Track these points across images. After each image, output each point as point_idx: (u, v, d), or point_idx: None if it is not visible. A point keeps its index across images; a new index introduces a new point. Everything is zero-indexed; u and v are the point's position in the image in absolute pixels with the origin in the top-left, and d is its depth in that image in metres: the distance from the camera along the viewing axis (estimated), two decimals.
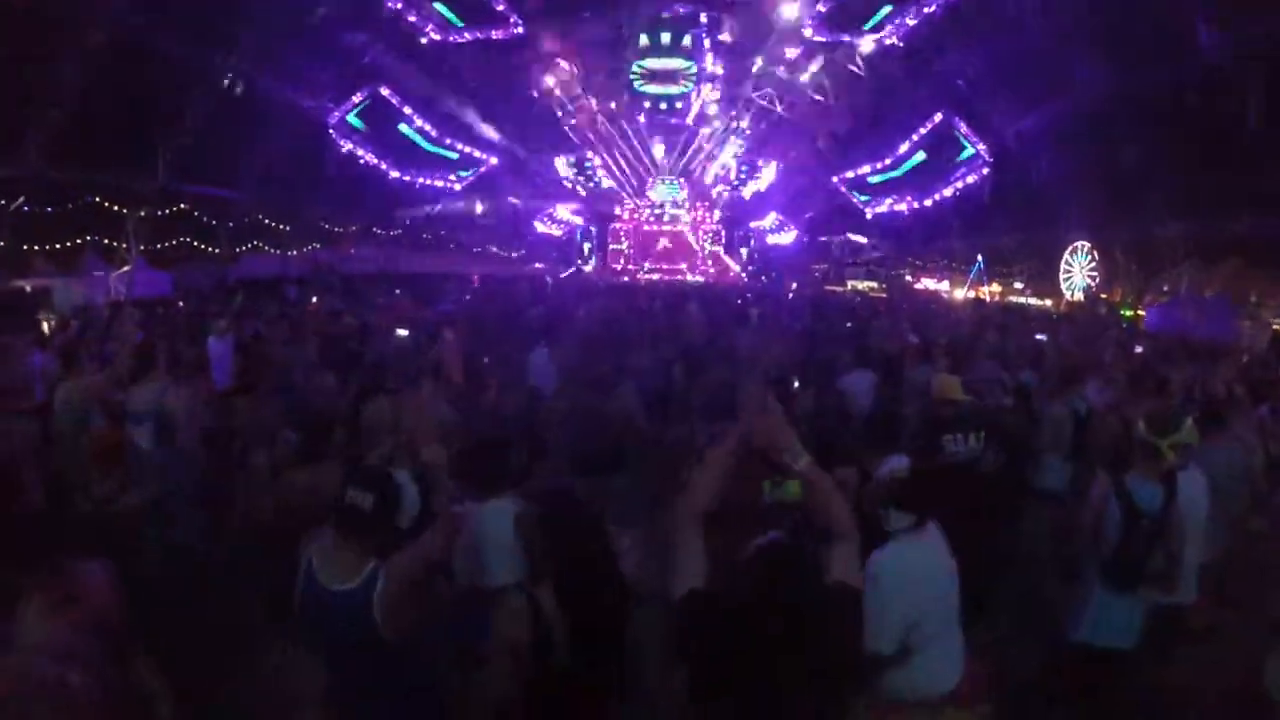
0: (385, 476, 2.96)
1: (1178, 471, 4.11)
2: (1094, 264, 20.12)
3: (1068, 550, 4.24)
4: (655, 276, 33.38)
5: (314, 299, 15.73)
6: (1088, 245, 20.22)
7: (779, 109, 27.21)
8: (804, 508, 2.77)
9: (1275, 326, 14.19)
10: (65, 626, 2.36)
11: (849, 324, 13.59)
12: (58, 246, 13.95)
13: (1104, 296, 19.65)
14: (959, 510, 4.16)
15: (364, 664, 2.79)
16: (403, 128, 23.19)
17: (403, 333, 11.03)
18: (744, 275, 34.95)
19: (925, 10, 18.20)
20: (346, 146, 21.49)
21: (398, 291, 18.25)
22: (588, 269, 34.93)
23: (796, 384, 6.35)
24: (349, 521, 2.74)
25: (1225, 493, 4.90)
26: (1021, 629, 4.78)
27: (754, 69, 25.58)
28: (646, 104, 28.76)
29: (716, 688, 2.28)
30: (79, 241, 14.32)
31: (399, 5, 18.56)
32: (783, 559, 2.40)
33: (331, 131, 20.89)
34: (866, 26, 20.28)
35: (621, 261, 35.59)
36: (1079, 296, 20.44)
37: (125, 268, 14.52)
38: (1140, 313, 17.77)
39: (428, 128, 23.81)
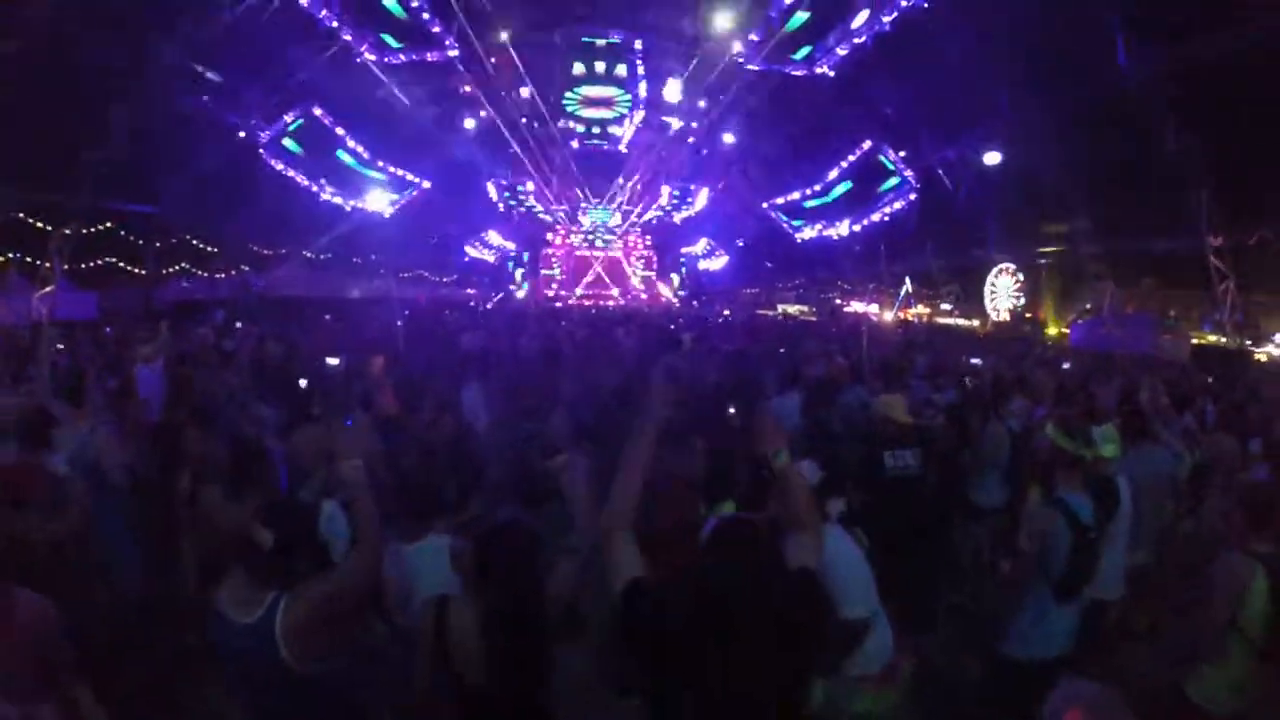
0: (293, 510, 3.03)
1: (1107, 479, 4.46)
2: (1018, 284, 20.94)
3: (1009, 564, 4.35)
4: (588, 302, 33.47)
5: (238, 324, 15.26)
6: (1012, 267, 21.05)
7: (712, 135, 27.62)
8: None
9: (1194, 340, 15.00)
10: None
11: (781, 349, 13.73)
12: None
13: (1028, 316, 20.46)
14: (901, 523, 4.43)
15: (279, 698, 2.74)
16: (339, 151, 22.77)
17: (333, 361, 10.76)
18: (676, 300, 35.28)
19: (855, 41, 18.67)
20: (278, 166, 20.88)
21: (326, 317, 17.88)
22: (520, 294, 34.80)
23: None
24: (247, 556, 2.75)
25: (1152, 498, 5.22)
26: (960, 638, 5.05)
27: (674, 98, 26.00)
28: (579, 129, 28.90)
29: (667, 673, 2.29)
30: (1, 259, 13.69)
31: (335, 23, 18.13)
32: (742, 536, 2.47)
33: (262, 151, 20.29)
34: (796, 57, 20.74)
35: (554, 287, 35.58)
36: (1004, 316, 21.21)
37: (48, 288, 13.95)
38: (1064, 330, 18.53)
39: (359, 149, 23.38)
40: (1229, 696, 3.47)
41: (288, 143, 20.66)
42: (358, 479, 2.95)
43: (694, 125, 28.11)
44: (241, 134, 19.32)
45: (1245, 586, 3.43)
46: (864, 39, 18.50)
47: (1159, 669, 4.23)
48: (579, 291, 35.68)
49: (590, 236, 35.71)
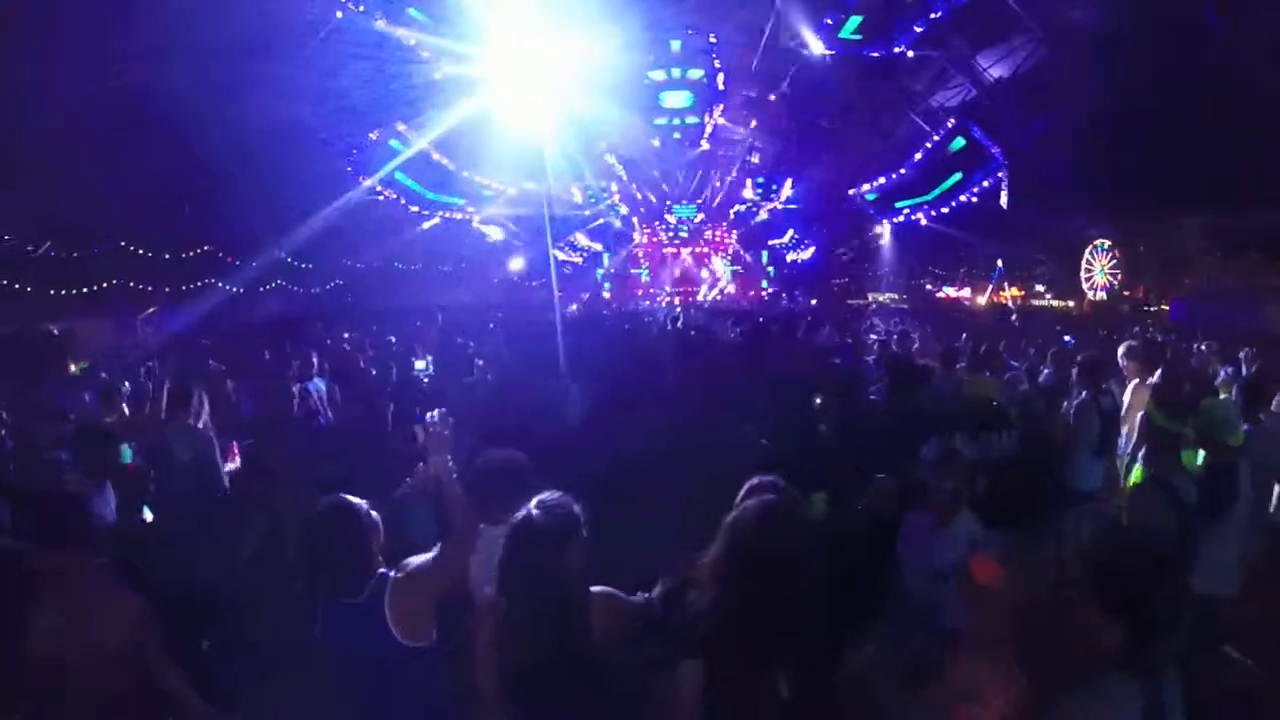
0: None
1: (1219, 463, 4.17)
2: (1115, 261, 19.97)
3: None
4: (677, 300, 33.52)
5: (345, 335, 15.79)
6: (1108, 243, 20.09)
7: (793, 125, 27.26)
8: None
9: None
10: None
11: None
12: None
13: (1126, 294, 19.49)
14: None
15: (384, 679, 2.92)
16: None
17: (420, 364, 11.12)
18: (765, 293, 35.02)
19: (933, 17, 18.17)
20: (386, 193, 21.52)
21: (418, 324, 18.33)
22: (606, 294, 35.12)
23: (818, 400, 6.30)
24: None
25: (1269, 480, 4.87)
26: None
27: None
28: (660, 126, 28.92)
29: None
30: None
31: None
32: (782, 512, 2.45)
33: (351, 170, 20.89)
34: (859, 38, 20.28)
35: (643, 286, 35.79)
36: (1101, 295, 20.28)
37: (151, 309, 14.85)
38: (1164, 307, 17.60)
39: (444, 160, 23.93)
40: None
41: (402, 178, 21.21)
42: (446, 475, 3.09)
43: (771, 116, 27.75)
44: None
45: None
46: (939, 13, 18.01)
47: None
48: (667, 289, 35.79)
49: (675, 234, 35.75)
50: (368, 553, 2.99)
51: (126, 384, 8.43)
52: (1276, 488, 5.08)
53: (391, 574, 2.97)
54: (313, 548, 3.03)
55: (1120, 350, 7.30)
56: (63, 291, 13.71)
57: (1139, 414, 6.16)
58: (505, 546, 2.76)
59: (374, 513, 3.06)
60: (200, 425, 6.20)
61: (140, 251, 14.55)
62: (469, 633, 2.93)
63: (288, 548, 4.02)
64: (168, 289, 15.16)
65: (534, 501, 2.80)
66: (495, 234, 30.23)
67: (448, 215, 26.18)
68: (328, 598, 2.97)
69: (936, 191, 23.64)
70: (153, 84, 12.25)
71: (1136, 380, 6.91)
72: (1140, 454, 5.34)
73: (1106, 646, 2.04)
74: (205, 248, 16.21)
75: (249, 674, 3.58)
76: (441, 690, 3.00)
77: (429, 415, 3.16)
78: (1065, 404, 6.72)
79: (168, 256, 14.99)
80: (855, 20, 18.82)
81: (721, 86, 26.15)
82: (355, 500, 3.04)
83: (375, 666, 2.89)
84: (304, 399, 7.94)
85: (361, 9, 16.12)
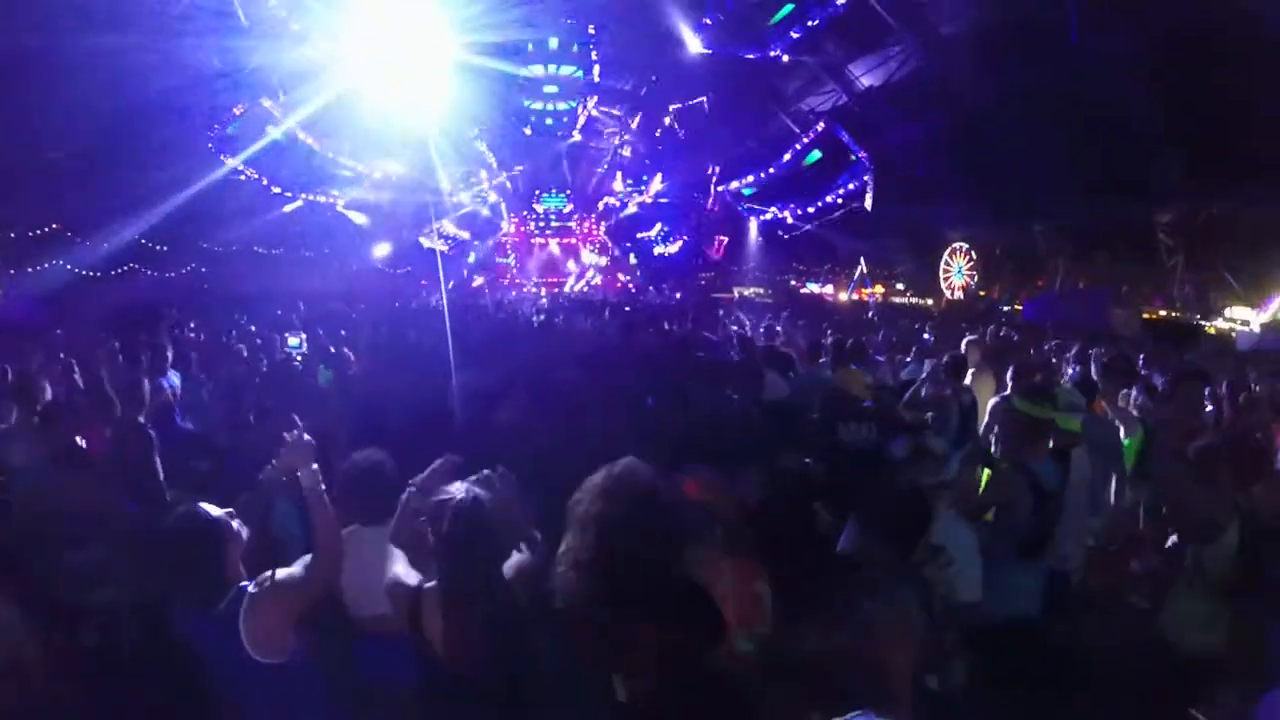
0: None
1: (1071, 449, 4.63)
2: (972, 263, 21.33)
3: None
4: (543, 290, 33.33)
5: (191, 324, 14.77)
6: (965, 244, 21.43)
7: (667, 121, 27.61)
8: None
9: (1145, 315, 15.43)
10: None
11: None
12: None
13: (982, 294, 20.87)
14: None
15: (244, 691, 2.84)
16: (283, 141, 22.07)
17: (294, 340, 10.53)
18: (632, 286, 35.31)
19: (810, 24, 18.77)
20: (230, 162, 20.22)
21: (279, 312, 17.37)
22: (476, 284, 34.52)
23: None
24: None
25: (1103, 467, 5.38)
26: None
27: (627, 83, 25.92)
28: (532, 116, 28.63)
29: None
30: None
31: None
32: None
33: (213, 149, 19.59)
34: (750, 39, 20.77)
35: (509, 275, 35.39)
36: (959, 295, 21.61)
37: None
38: (1017, 307, 18.94)
39: (310, 141, 22.82)
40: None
41: (232, 130, 19.92)
42: (315, 485, 2.97)
43: (644, 111, 28.02)
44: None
45: None
46: (817, 21, 18.63)
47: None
48: (534, 279, 35.54)
49: (544, 224, 35.52)
50: (220, 564, 2.84)
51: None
52: (1113, 475, 5.56)
53: (249, 588, 2.82)
54: (164, 558, 2.87)
55: (963, 343, 7.80)
56: None
57: (987, 403, 6.66)
58: (449, 523, 2.74)
59: (236, 522, 2.93)
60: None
61: None
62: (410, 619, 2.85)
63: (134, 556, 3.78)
64: (12, 271, 13.77)
65: (454, 488, 2.83)
66: (359, 219, 29.11)
67: (311, 198, 25.00)
68: (185, 608, 2.85)
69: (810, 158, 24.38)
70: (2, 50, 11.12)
71: (974, 371, 7.38)
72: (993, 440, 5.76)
73: None
74: (53, 225, 14.84)
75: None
76: (300, 704, 2.90)
77: (291, 433, 3.06)
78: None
79: (13, 235, 13.63)
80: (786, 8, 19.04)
81: (597, 78, 26.17)
82: (213, 510, 2.90)
83: (233, 678, 2.81)
84: (156, 395, 7.35)
85: None
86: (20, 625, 2.85)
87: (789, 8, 19.07)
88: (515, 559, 2.90)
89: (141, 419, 5.72)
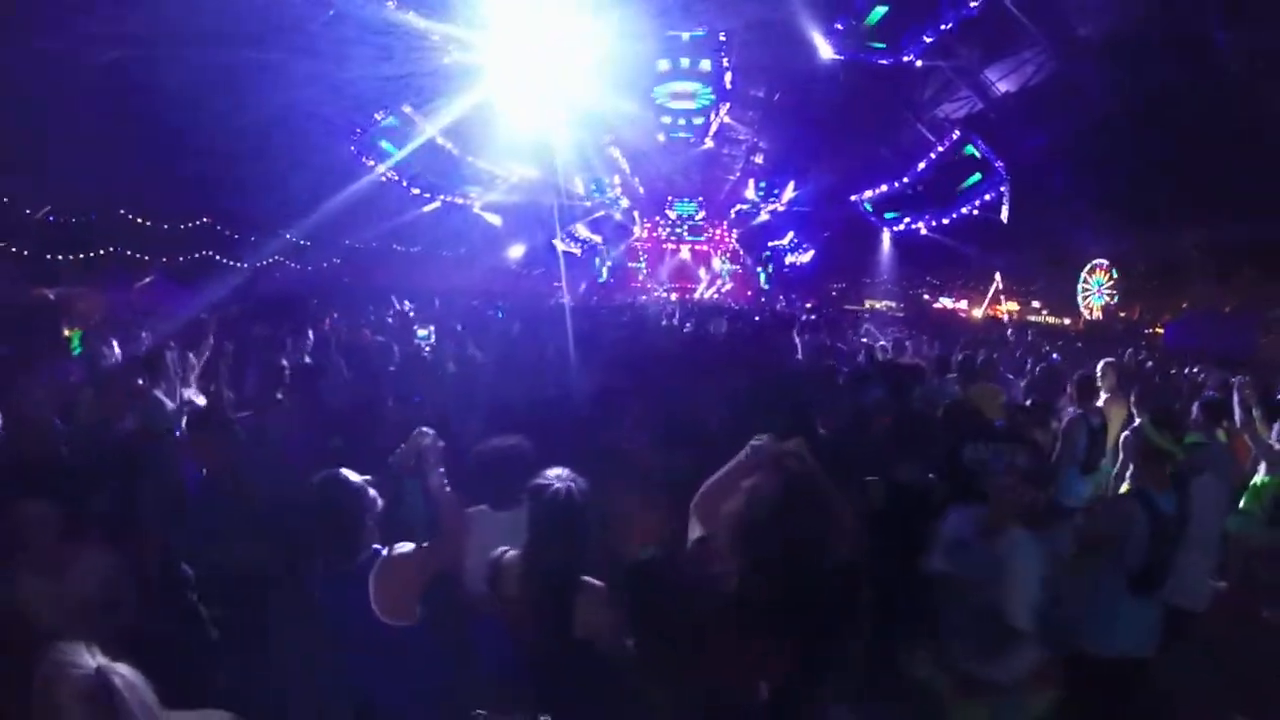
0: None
1: (1192, 477, 4.27)
2: (1112, 281, 20.05)
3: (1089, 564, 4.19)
4: (674, 295, 33.52)
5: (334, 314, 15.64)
6: (1105, 263, 20.18)
7: (799, 128, 27.27)
8: None
9: None
10: None
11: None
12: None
13: (1122, 314, 19.59)
14: None
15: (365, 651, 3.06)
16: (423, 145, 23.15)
17: (423, 332, 11.17)
18: (762, 294, 35.05)
19: (943, 28, 18.17)
20: (377, 168, 21.41)
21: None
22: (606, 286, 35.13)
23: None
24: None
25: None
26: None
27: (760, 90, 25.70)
28: (665, 122, 28.85)
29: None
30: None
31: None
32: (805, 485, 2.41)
33: (355, 151, 20.76)
34: (880, 45, 20.30)
35: (640, 279, 35.79)
36: (1097, 315, 20.37)
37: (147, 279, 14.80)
38: (1159, 330, 17.69)
39: (448, 145, 23.83)
40: None
41: (389, 148, 21.12)
42: (439, 487, 3.20)
43: (777, 118, 27.74)
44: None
45: None
46: (950, 25, 18.00)
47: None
48: (665, 284, 35.81)
49: (676, 230, 35.74)
50: (358, 526, 3.06)
51: (117, 347, 8.34)
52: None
53: (383, 552, 3.06)
54: (305, 519, 3.14)
55: (1098, 367, 7.40)
56: (59, 257, 13.67)
57: (1117, 430, 6.28)
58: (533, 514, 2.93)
59: (373, 490, 3.14)
60: (181, 395, 6.20)
61: (139, 220, 14.47)
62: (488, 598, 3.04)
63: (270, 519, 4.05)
64: (164, 259, 15.08)
65: (553, 476, 2.97)
66: (494, 220, 30.19)
67: (449, 199, 26.16)
68: (325, 566, 3.08)
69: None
70: (161, 63, 12.25)
71: (1109, 397, 6.99)
72: (1128, 472, 5.42)
73: None
74: (204, 219, 16.13)
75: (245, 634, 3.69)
76: (424, 667, 3.09)
77: (420, 430, 3.26)
78: (1055, 420, 6.77)
79: (166, 227, 14.90)
80: (879, 12, 18.73)
81: (729, 85, 26.11)
82: (352, 476, 3.12)
83: (362, 635, 2.99)
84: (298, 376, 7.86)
85: None
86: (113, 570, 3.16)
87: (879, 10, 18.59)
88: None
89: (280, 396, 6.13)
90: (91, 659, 1.76)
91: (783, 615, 2.20)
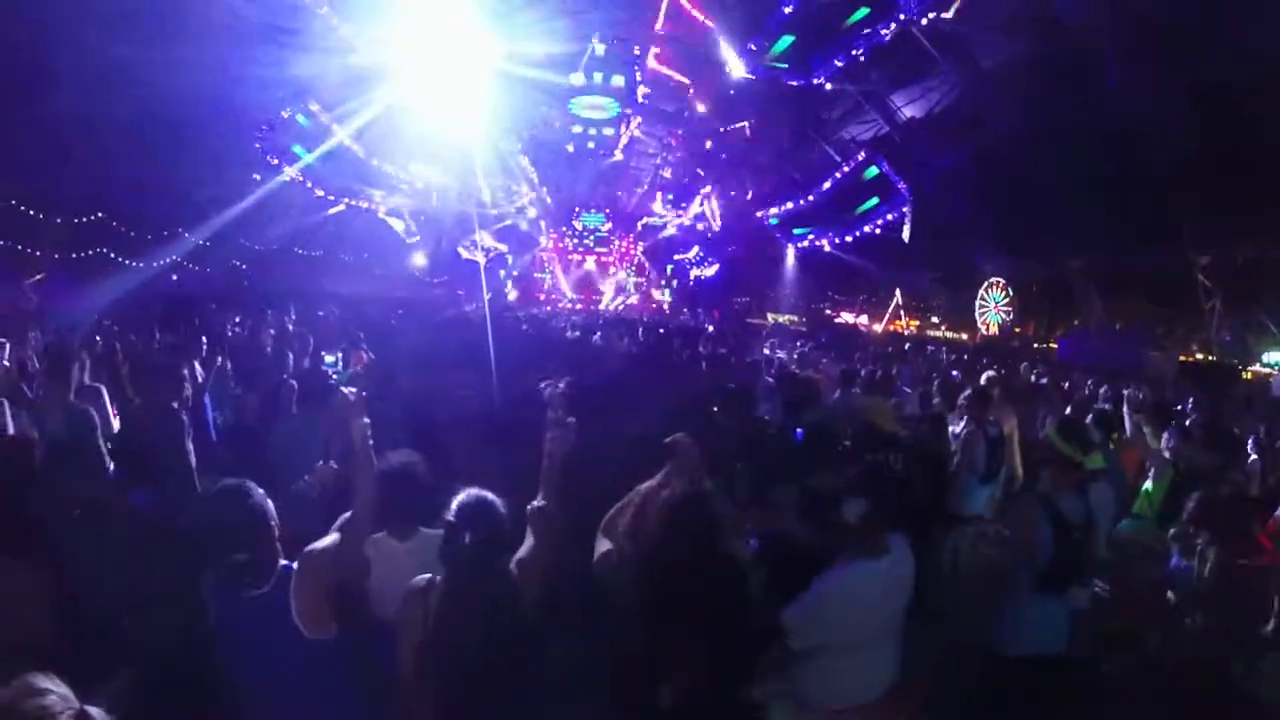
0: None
1: (1090, 481, 4.58)
2: (1008, 299, 21.10)
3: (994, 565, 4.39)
4: (579, 306, 33.50)
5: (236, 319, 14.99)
6: (1002, 281, 21.22)
7: (706, 144, 27.71)
8: None
9: (1182, 358, 15.16)
10: None
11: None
12: None
13: (1017, 330, 20.64)
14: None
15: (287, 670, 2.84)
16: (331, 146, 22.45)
17: (330, 359, 10.49)
18: (666, 306, 35.36)
19: (854, 53, 18.79)
20: (284, 169, 20.63)
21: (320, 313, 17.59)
22: (510, 297, 34.79)
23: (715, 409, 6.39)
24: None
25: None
26: (950, 645, 5.02)
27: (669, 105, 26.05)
28: (575, 132, 28.80)
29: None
30: None
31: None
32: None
33: (260, 150, 20.02)
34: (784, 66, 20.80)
35: (545, 290, 35.60)
36: (994, 330, 21.37)
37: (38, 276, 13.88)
38: (1052, 345, 18.70)
39: (355, 147, 23.18)
40: None
41: (299, 151, 20.42)
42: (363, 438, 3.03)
43: (686, 134, 28.14)
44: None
45: None
46: (860, 51, 18.63)
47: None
48: (570, 295, 35.73)
49: (583, 241, 35.72)
50: (272, 540, 2.88)
51: (4, 345, 7.76)
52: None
53: (294, 566, 2.88)
54: (211, 535, 2.85)
55: (982, 380, 7.76)
56: None
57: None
58: (449, 560, 2.83)
59: (270, 502, 2.95)
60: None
61: (30, 212, 13.54)
62: (395, 619, 2.92)
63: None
64: (56, 255, 14.13)
65: (460, 507, 2.86)
66: (399, 226, 29.54)
67: (353, 203, 25.42)
68: (224, 590, 2.83)
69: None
70: (63, 51, 11.52)
71: (998, 409, 7.30)
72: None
73: None
74: (99, 214, 15.21)
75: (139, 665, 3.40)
76: (344, 682, 2.92)
77: (346, 389, 3.14)
78: (951, 431, 7.02)
79: (59, 221, 13.98)
80: (786, 40, 19.19)
81: (641, 99, 26.33)
82: (252, 486, 2.92)
83: (279, 660, 2.78)
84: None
85: None
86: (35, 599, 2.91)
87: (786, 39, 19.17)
88: (520, 554, 2.96)
89: (175, 405, 5.77)
90: (64, 694, 1.65)
91: (678, 617, 2.37)
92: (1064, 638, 4.05)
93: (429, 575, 2.92)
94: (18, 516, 3.47)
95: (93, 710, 1.65)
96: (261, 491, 2.91)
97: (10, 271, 13.82)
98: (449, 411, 5.46)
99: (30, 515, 3.57)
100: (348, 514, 3.04)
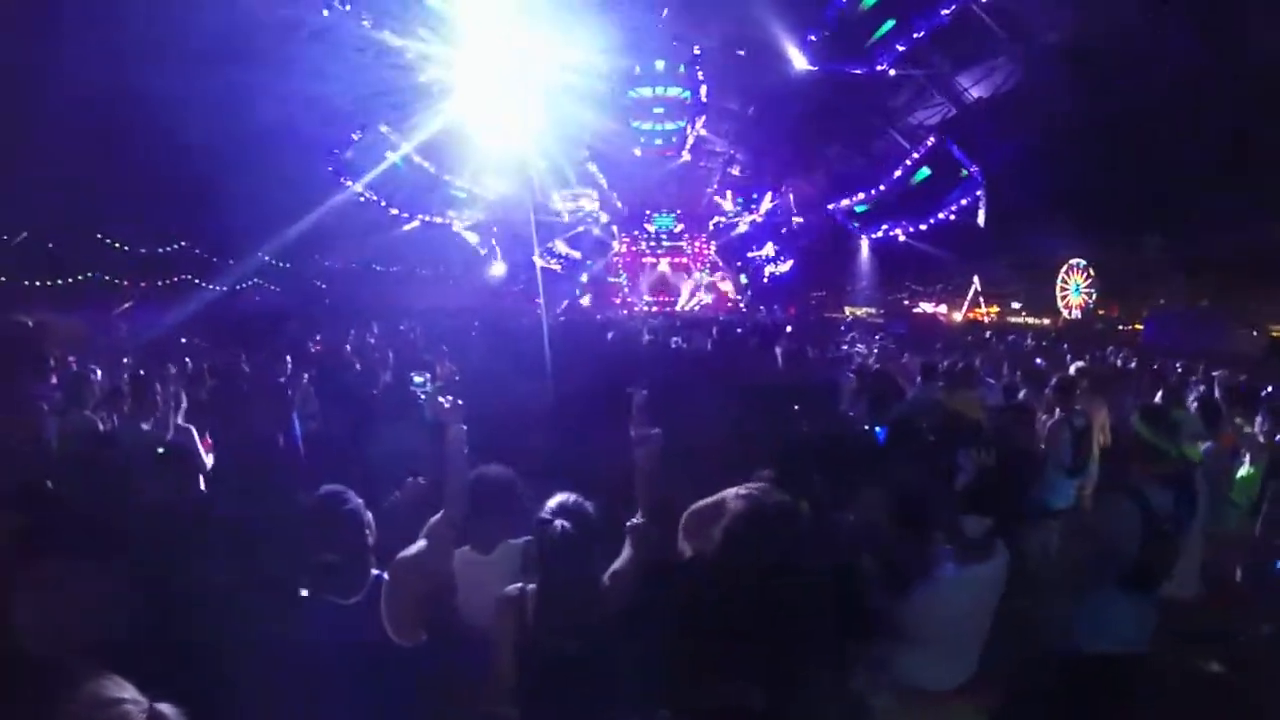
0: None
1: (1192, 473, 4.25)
2: (1090, 281, 20.30)
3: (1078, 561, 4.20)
4: (655, 309, 33.55)
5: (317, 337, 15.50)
6: (1083, 261, 20.42)
7: (775, 140, 27.49)
8: None
9: (1275, 334, 14.33)
10: None
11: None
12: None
13: (1100, 313, 19.81)
14: None
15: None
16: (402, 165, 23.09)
17: (419, 379, 10.66)
18: (742, 304, 35.16)
19: (915, 37, 18.42)
20: (355, 187, 21.33)
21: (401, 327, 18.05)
22: (584, 302, 35.11)
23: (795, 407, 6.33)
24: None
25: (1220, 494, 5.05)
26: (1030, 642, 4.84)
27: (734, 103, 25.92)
28: (642, 137, 28.97)
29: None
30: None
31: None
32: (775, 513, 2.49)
33: (332, 171, 20.72)
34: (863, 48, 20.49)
35: (620, 294, 35.82)
36: (1076, 314, 20.59)
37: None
38: (1136, 327, 17.90)
39: (426, 164, 23.81)
40: None
41: (350, 155, 21.05)
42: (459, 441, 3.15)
43: (753, 130, 27.97)
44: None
45: None
46: (922, 33, 18.26)
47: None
48: (646, 299, 35.87)
49: (655, 244, 35.85)
50: (365, 551, 2.93)
51: (98, 373, 8.22)
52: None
53: (384, 575, 2.92)
54: (306, 532, 2.92)
55: (1072, 370, 7.48)
56: (36, 283, 13.51)
57: (1098, 431, 6.33)
58: (541, 554, 2.88)
59: (368, 513, 3.01)
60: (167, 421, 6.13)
61: (117, 245, 14.34)
62: (489, 627, 2.99)
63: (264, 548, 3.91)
64: (143, 284, 14.94)
65: (555, 508, 2.89)
66: (473, 238, 30.20)
67: (428, 219, 26.14)
68: (315, 599, 2.86)
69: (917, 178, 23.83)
70: (137, 83, 12.13)
71: (1087, 398, 7.04)
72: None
73: None
74: (182, 243, 16.03)
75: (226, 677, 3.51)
76: (433, 690, 2.97)
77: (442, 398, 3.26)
78: (1038, 422, 6.81)
79: (144, 251, 14.77)
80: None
81: (705, 99, 26.32)
82: (351, 493, 2.97)
83: (367, 669, 2.79)
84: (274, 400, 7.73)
85: (348, 7, 16.10)
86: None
87: (889, 23, 18.77)
88: (616, 565, 3.02)
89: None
90: (134, 694, 1.64)
91: (757, 632, 2.33)
92: (1148, 635, 3.85)
93: (520, 584, 2.98)
94: (104, 521, 3.69)
95: (163, 708, 1.65)
96: (359, 500, 2.98)
97: (100, 302, 14.66)
98: (524, 419, 5.62)
99: (119, 520, 3.80)
100: (436, 517, 3.09)
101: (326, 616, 2.85)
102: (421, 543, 3.03)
